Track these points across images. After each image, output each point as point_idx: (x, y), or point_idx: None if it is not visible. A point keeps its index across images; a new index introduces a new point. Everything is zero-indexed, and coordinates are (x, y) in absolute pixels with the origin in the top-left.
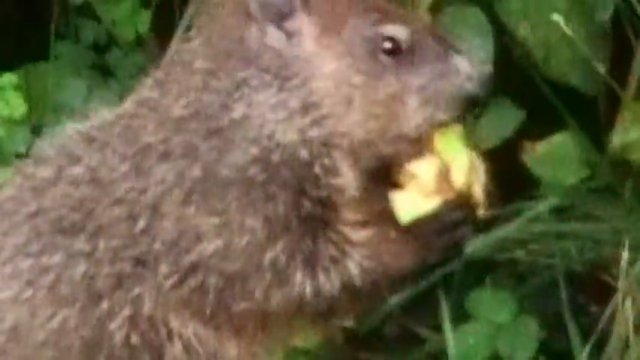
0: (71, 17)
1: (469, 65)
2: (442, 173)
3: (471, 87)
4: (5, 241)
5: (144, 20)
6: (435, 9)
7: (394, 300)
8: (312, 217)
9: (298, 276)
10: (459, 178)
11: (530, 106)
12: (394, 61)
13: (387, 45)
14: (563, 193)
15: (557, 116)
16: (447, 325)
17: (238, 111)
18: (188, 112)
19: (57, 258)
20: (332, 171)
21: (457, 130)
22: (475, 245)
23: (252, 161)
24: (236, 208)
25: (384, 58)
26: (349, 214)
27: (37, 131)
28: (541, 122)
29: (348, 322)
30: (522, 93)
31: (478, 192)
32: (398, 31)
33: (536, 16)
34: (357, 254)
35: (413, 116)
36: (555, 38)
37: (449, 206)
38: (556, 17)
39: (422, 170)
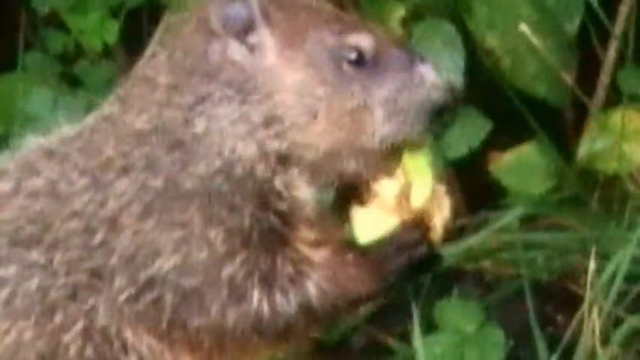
0: (39, 27)
1: (434, 74)
2: (403, 193)
3: (436, 96)
4: None
5: (112, 31)
6: (406, 22)
7: (362, 310)
8: (272, 232)
9: (255, 294)
10: (418, 200)
11: (497, 116)
12: (359, 71)
13: (352, 55)
14: (530, 202)
15: (525, 126)
16: (416, 335)
17: (200, 125)
18: (150, 126)
19: (12, 270)
20: (291, 185)
21: (426, 154)
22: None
23: (216, 172)
24: (198, 220)
25: (348, 68)
26: (308, 234)
27: (4, 141)
28: (508, 132)
29: (315, 334)
30: (490, 103)
31: (438, 223)
32: (362, 41)
33: (504, 26)
34: (316, 275)
35: (379, 128)
36: (523, 48)
37: (406, 226)
38: (523, 28)
39: (384, 188)
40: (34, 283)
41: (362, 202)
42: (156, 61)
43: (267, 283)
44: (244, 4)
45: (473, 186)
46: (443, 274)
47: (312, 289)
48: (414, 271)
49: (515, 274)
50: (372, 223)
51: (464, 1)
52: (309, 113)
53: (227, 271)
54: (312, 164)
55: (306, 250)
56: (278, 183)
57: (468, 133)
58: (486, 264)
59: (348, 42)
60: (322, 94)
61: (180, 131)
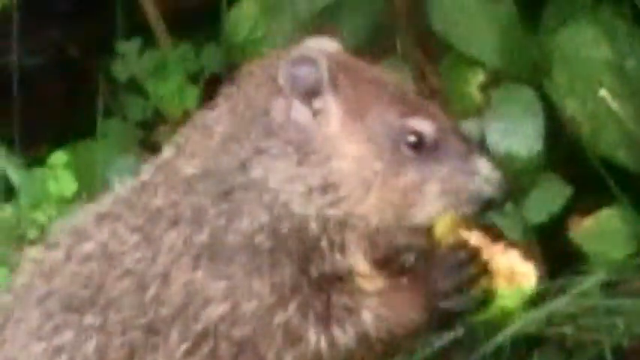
0: (118, 94)
1: (490, 168)
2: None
3: (488, 190)
4: (18, 329)
5: (191, 96)
6: (485, 87)
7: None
8: (321, 277)
9: (311, 332)
10: (439, 228)
11: (578, 181)
12: (416, 154)
13: (411, 138)
14: (611, 268)
15: (605, 191)
16: None
17: (256, 172)
18: (199, 171)
19: (68, 336)
20: (340, 249)
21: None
22: (524, 320)
23: (259, 229)
24: (243, 274)
25: (406, 150)
26: (361, 267)
27: None
28: (589, 197)
29: None
30: (570, 168)
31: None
32: (423, 126)
33: (584, 92)
34: (371, 303)
35: (428, 208)
36: (602, 114)
37: (451, 248)
38: (603, 93)
39: None
40: (91, 345)
41: None
42: (217, 110)
43: (323, 319)
44: (314, 67)
45: (553, 251)
46: (524, 339)
47: (367, 316)
48: (465, 293)
49: (596, 340)
50: None
51: (543, 66)
52: (363, 186)
53: (280, 318)
54: (366, 235)
55: (360, 281)
56: (324, 243)
57: (549, 198)
58: (567, 329)
59: (410, 125)
60: (378, 169)
61: (231, 178)
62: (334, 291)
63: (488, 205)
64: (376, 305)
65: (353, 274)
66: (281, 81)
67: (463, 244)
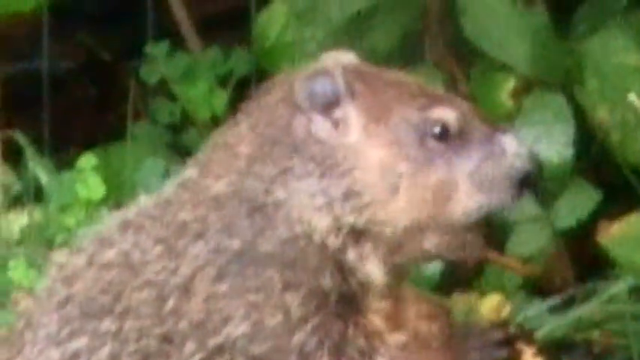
0: (148, 97)
1: (517, 143)
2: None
3: (519, 165)
4: (38, 333)
5: (220, 100)
6: (516, 93)
7: None
8: (348, 297)
9: None
10: (485, 307)
11: (607, 186)
12: (443, 145)
13: (436, 129)
14: (639, 273)
15: (634, 197)
16: None
17: (280, 195)
18: (228, 190)
19: (84, 341)
20: (362, 258)
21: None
22: (552, 325)
23: (297, 236)
24: (277, 283)
25: (432, 143)
26: (382, 305)
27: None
28: (618, 203)
29: None
30: (599, 173)
31: None
32: (446, 115)
33: (614, 98)
34: (390, 353)
35: (464, 202)
36: (632, 120)
37: (493, 325)
38: (632, 98)
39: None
40: (105, 351)
41: None
42: (238, 129)
43: (337, 353)
44: (330, 79)
45: (582, 256)
46: (551, 345)
47: None
48: None
49: (624, 345)
50: None
51: (574, 73)
52: (389, 190)
53: (298, 338)
54: (390, 241)
55: (379, 324)
56: (350, 256)
57: (578, 203)
58: (595, 334)
59: (433, 116)
60: (404, 171)
61: (260, 198)
62: (351, 323)
63: (525, 182)
64: (395, 357)
65: (370, 301)
66: (298, 98)
67: (504, 327)
